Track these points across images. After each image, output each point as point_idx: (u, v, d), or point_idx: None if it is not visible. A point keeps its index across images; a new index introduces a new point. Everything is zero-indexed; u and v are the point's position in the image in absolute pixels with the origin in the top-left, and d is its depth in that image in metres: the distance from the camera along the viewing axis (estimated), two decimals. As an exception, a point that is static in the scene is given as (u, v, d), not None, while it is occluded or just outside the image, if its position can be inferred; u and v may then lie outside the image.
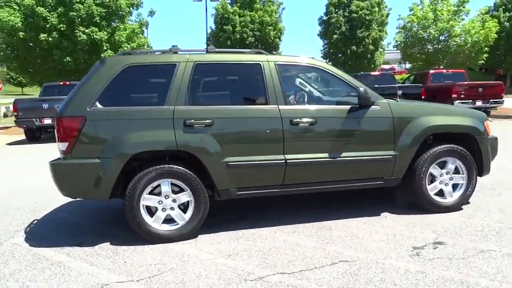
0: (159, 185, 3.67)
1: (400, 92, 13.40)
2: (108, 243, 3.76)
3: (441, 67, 21.93)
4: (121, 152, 3.53)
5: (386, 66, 38.31)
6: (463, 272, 2.93)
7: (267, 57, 3.98)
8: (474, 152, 4.31)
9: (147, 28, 18.00)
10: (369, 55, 28.73)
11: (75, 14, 14.92)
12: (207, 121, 3.67)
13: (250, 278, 2.97)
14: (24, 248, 3.78)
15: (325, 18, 30.07)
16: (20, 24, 14.53)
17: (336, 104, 4.21)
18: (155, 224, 3.69)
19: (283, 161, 3.82)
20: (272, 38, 27.35)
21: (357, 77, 15.60)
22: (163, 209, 3.70)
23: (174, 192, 3.71)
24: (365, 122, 4.01)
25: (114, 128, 3.58)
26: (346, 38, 28.67)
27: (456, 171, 4.29)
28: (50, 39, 14.99)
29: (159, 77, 3.75)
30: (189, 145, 3.64)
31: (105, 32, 15.69)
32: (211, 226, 4.00)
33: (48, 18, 14.90)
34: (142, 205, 3.64)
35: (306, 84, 5.22)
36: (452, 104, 13.61)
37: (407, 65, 32.50)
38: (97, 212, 4.82)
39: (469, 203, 4.56)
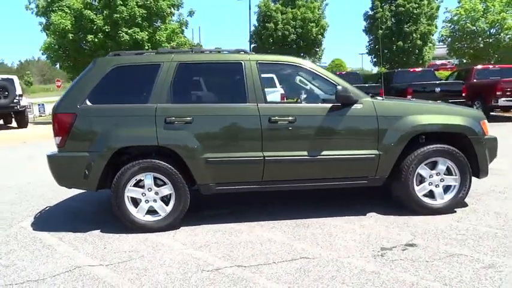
0: (143, 178, 3.90)
1: (437, 89, 12.80)
2: (99, 230, 4.05)
3: (491, 62, 20.53)
4: (106, 147, 3.80)
5: (438, 62, 36.39)
6: (419, 275, 2.86)
7: (249, 56, 4.07)
8: (470, 152, 4.12)
9: (186, 27, 18.62)
10: (417, 50, 27.49)
11: (118, 15, 15.78)
12: (187, 118, 3.84)
13: (208, 268, 3.11)
14: (27, 231, 4.18)
15: (370, 13, 29.18)
16: (69, 27, 15.66)
17: (323, 102, 4.21)
18: (139, 214, 3.93)
19: (261, 158, 3.90)
20: (314, 35, 27.06)
21: (394, 74, 15.16)
22: (147, 201, 3.93)
23: (157, 185, 3.92)
24: (346, 120, 3.97)
25: (102, 124, 3.86)
26: (393, 33, 27.64)
27: (449, 172, 4.13)
28: (96, 40, 16.00)
29: (145, 76, 3.96)
30: (169, 141, 3.84)
31: (146, 32, 16.44)
32: (198, 219, 4.18)
33: (94, 20, 15.90)
34: (127, 196, 3.89)
35: (307, 82, 5.25)
36: (497, 101, 12.79)
37: (455, 61, 30.70)
38: (107, 202, 5.17)
39: (467, 205, 4.37)
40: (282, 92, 15.45)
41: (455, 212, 4.17)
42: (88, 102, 3.88)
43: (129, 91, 4.01)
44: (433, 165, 4.12)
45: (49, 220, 4.54)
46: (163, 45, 16.93)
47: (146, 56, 4.18)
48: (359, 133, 4.02)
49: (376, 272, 2.93)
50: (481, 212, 4.17)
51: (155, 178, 3.91)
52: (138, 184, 3.93)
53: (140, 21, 16.31)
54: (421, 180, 4.14)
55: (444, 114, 4.16)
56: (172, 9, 17.81)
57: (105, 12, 16.02)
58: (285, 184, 4.05)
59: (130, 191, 3.90)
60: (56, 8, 16.25)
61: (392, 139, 3.98)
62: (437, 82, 13.52)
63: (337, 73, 16.04)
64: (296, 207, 4.53)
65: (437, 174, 4.11)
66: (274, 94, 12.77)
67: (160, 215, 3.95)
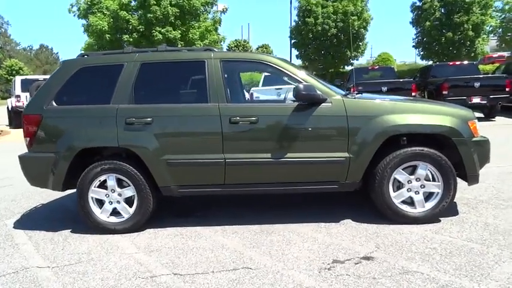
0: (106, 180, 3.90)
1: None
2: (70, 230, 4.11)
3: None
4: (69, 148, 3.84)
5: (496, 54, 33.54)
6: (356, 293, 2.58)
7: (213, 54, 3.92)
8: (457, 156, 3.69)
9: (220, 25, 18.72)
10: (468, 42, 25.59)
11: (152, 15, 16.21)
12: (147, 119, 3.78)
13: (144, 276, 3.02)
14: (8, 227, 4.34)
15: (418, 3, 27.61)
16: (106, 28, 16.33)
17: (294, 101, 3.96)
18: (103, 215, 3.94)
19: (222, 160, 3.75)
20: (356, 29, 26.11)
21: (432, 68, 14.20)
22: (110, 202, 3.93)
23: (121, 187, 3.91)
24: (313, 120, 3.71)
25: (66, 125, 3.91)
26: (442, 24, 25.96)
27: (432, 178, 3.72)
28: (131, 39, 16.56)
29: (109, 77, 3.95)
30: (129, 142, 3.80)
31: (179, 31, 16.75)
32: (167, 221, 4.13)
33: (130, 20, 16.46)
34: (91, 197, 3.91)
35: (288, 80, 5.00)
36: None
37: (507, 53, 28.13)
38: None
39: (457, 214, 3.94)
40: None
41: (439, 221, 3.76)
42: (54, 104, 3.94)
43: (93, 92, 4.02)
44: (412, 170, 3.74)
45: (33, 218, 4.68)
46: (196, 43, 17.15)
47: (111, 56, 4.17)
48: (327, 134, 3.74)
49: (311, 287, 2.69)
50: (469, 223, 3.72)
51: (119, 179, 3.90)
52: (103, 185, 3.93)
53: (173, 20, 16.64)
54: (399, 186, 3.77)
55: (424, 113, 3.75)
56: (206, 7, 17.98)
57: (139, 12, 16.53)
58: (249, 188, 3.87)
59: (94, 192, 3.91)
60: (96, 10, 17.01)
61: (364, 141, 3.66)
62: (477, 76, 12.46)
63: (369, 68, 15.35)
64: (271, 212, 4.33)
65: (417, 179, 3.72)
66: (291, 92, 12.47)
67: (123, 217, 3.94)
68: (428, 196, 3.78)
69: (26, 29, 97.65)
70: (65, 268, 3.24)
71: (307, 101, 3.65)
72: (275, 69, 3.91)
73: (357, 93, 4.24)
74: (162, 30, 16.49)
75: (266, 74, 15.74)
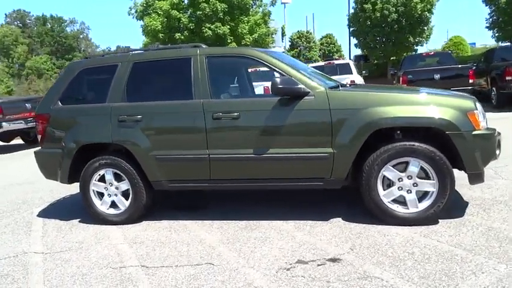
0: (105, 174, 4.14)
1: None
2: (79, 220, 4.44)
3: None
4: (71, 144, 4.13)
5: None
6: (300, 297, 2.48)
7: (199, 50, 3.95)
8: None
9: (269, 17, 18.63)
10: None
11: (201, 12, 16.62)
12: (137, 117, 3.93)
13: (114, 266, 3.18)
14: (33, 215, 4.80)
15: (493, -21, 25.03)
16: (160, 27, 17.09)
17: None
18: (103, 207, 4.19)
19: (207, 156, 3.79)
20: (419, 12, 24.45)
21: (495, 51, 12.84)
22: (109, 195, 4.17)
23: (118, 180, 4.12)
24: (295, 115, 3.58)
25: (70, 123, 4.20)
26: (522, 0, 23.27)
27: (426, 176, 3.42)
28: (183, 37, 17.15)
29: (105, 77, 4.14)
30: (121, 139, 3.99)
31: (228, 26, 16.99)
32: (167, 214, 4.29)
33: (181, 19, 17.04)
34: (92, 190, 4.18)
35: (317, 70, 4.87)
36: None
37: None
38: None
39: (462, 215, 3.59)
40: (360, 78, 14.52)
41: (436, 223, 3.45)
42: (59, 104, 4.25)
43: (93, 92, 4.27)
44: (405, 167, 3.46)
45: (57, 208, 5.10)
46: (245, 37, 17.29)
47: (108, 57, 4.38)
48: (309, 129, 3.59)
49: (259, 287, 2.63)
50: (470, 226, 3.36)
51: (116, 174, 4.11)
52: (103, 179, 4.17)
53: (222, 16, 16.91)
54: (390, 184, 3.52)
55: (412, 105, 3.43)
56: (255, 1, 18.02)
57: (190, 10, 17.04)
58: (234, 183, 3.87)
59: (95, 185, 4.17)
60: (151, 11, 17.86)
61: (348, 136, 3.46)
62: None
63: (424, 54, 14.35)
64: (266, 208, 4.27)
65: (409, 177, 3.44)
66: (345, 81, 12.10)
67: (120, 209, 4.15)
68: (423, 196, 3.48)
69: (99, 31, 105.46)
70: (55, 255, 3.51)
71: (285, 94, 3.53)
72: (259, 63, 3.82)
73: (351, 85, 4.01)
74: (212, 26, 16.86)
75: (311, 65, 15.46)
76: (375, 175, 3.46)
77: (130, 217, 4.12)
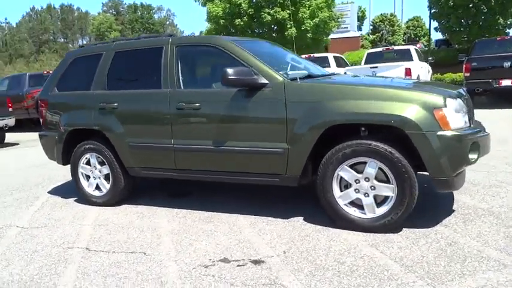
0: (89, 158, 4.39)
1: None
2: (75, 199, 4.77)
3: None
4: (63, 128, 4.44)
5: None
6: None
7: (171, 39, 3.94)
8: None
9: (333, 1, 17.84)
10: None
11: (261, -3, 16.51)
12: (114, 104, 4.08)
13: (64, 246, 3.38)
14: (46, 190, 5.28)
15: None
16: (220, 13, 17.33)
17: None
18: (89, 189, 4.47)
19: (171, 145, 3.82)
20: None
21: None
22: (94, 178, 4.43)
23: (101, 165, 4.35)
24: (251, 107, 3.42)
25: (63, 108, 4.50)
26: None
27: (387, 178, 3.07)
28: (242, 23, 17.21)
29: (92, 65, 4.34)
30: (101, 125, 4.18)
31: (287, 11, 16.65)
32: (149, 199, 4.44)
33: (241, 4, 17.09)
34: (80, 172, 4.47)
35: (301, 61, 4.67)
36: None
37: None
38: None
39: (434, 226, 3.17)
40: (423, 65, 13.37)
41: (398, 231, 3.10)
42: (56, 90, 4.57)
43: (82, 79, 4.48)
44: (363, 168, 3.14)
45: (69, 186, 5.52)
46: (305, 22, 16.83)
47: (96, 46, 4.56)
48: (265, 122, 3.40)
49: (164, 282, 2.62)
50: (430, 239, 2.95)
51: (99, 158, 4.34)
52: (89, 162, 4.43)
53: (282, 1, 16.61)
54: (348, 185, 3.22)
55: (371, 99, 3.03)
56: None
57: (250, -5, 17.02)
58: (196, 174, 3.84)
59: (83, 168, 4.45)
60: (213, -2, 18.20)
61: (302, 131, 3.22)
62: None
63: (499, 39, 12.71)
64: (242, 200, 4.18)
65: (366, 179, 3.12)
66: (397, 69, 11.32)
67: (103, 191, 4.38)
68: (383, 200, 3.14)
69: (183, 18, 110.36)
70: (29, 230, 3.84)
71: (237, 86, 3.38)
72: (223, 52, 3.68)
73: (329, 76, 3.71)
74: (271, 11, 16.65)
75: (368, 51, 14.56)
76: (329, 175, 3.20)
77: (111, 199, 4.33)
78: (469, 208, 3.53)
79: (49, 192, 5.20)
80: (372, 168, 3.07)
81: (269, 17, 16.67)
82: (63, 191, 5.18)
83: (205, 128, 3.67)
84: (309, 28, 16.92)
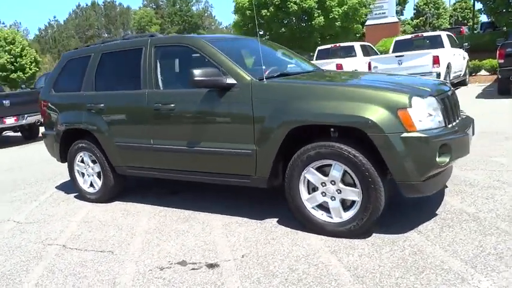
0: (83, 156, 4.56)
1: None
2: (76, 195, 4.98)
3: None
4: (59, 127, 4.63)
5: None
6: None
7: (150, 40, 3.96)
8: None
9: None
10: None
11: (287, -13, 16.21)
12: (100, 105, 4.20)
13: (44, 242, 3.55)
14: (55, 185, 5.56)
15: None
16: (246, 4, 17.22)
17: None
18: (84, 185, 4.64)
19: (150, 145, 3.87)
20: None
21: None
22: (88, 175, 4.59)
23: (93, 163, 4.50)
24: (221, 108, 3.38)
25: (58, 108, 4.69)
26: None
27: (354, 182, 2.94)
28: (268, 13, 17.00)
29: (82, 67, 4.46)
30: (89, 126, 4.31)
31: (315, 0, 16.25)
32: (140, 197, 4.53)
33: (267, -6, 16.90)
34: (76, 170, 4.65)
35: (292, 56, 4.58)
36: None
37: None
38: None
39: (406, 232, 3.01)
40: (460, 52, 12.67)
41: (366, 236, 2.97)
42: (53, 91, 4.76)
43: (74, 80, 4.62)
44: (329, 170, 3.02)
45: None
46: (333, 9, 16.35)
47: (86, 49, 4.68)
48: (233, 123, 3.35)
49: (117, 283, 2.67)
50: (396, 247, 2.80)
51: (91, 156, 4.49)
52: (84, 160, 4.60)
53: (309, -11, 16.24)
54: (315, 188, 3.12)
55: (337, 99, 2.90)
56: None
57: (275, -15, 16.75)
58: (174, 174, 3.87)
59: (78, 165, 4.63)
60: (241, -11, 18.09)
61: (267, 131, 3.15)
62: None
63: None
64: (228, 200, 4.16)
65: (332, 182, 3.00)
66: (424, 58, 10.81)
67: (95, 188, 4.54)
68: (351, 205, 3.01)
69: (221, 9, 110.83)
70: (23, 225, 4.06)
71: (204, 87, 3.34)
72: (195, 52, 3.64)
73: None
74: (297, 0, 16.31)
75: (396, 39, 13.93)
76: (296, 177, 3.11)
77: (103, 196, 4.48)
78: (453, 212, 3.31)
79: (56, 188, 5.45)
80: (337, 171, 2.95)
81: (295, 7, 16.35)
82: (68, 187, 5.39)
83: (179, 128, 3.68)
84: (337, 16, 16.43)
